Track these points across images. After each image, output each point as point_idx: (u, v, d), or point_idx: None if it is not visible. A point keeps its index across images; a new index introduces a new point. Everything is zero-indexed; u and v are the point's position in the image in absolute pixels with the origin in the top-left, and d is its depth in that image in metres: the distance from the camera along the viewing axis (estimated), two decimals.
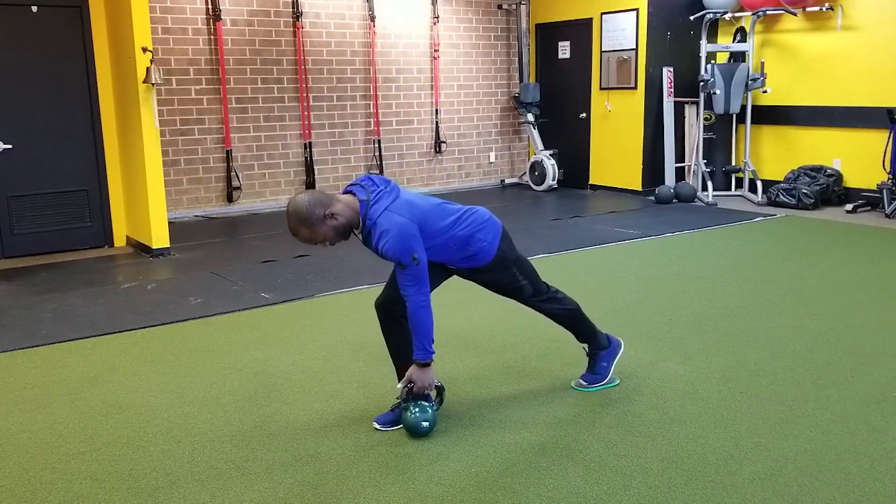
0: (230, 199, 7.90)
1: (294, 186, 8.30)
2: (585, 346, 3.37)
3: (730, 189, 8.81)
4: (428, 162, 9.25)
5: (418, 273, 2.77)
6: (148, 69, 5.79)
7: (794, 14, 7.88)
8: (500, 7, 9.53)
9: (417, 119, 9.07)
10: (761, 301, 4.63)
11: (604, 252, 6.05)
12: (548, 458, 2.77)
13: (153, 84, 5.83)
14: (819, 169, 7.96)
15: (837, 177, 7.89)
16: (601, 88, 9.01)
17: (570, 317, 3.28)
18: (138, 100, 5.89)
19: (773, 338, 3.98)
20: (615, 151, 8.98)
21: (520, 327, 4.17)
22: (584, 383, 3.37)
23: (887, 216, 7.23)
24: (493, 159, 9.81)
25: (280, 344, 4.05)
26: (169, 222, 6.43)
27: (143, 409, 3.27)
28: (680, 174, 8.85)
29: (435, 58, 9.03)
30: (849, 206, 7.54)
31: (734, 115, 8.63)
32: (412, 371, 2.90)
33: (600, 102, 9.06)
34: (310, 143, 8.30)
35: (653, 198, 8.47)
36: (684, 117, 8.83)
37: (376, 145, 8.76)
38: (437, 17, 8.96)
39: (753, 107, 8.44)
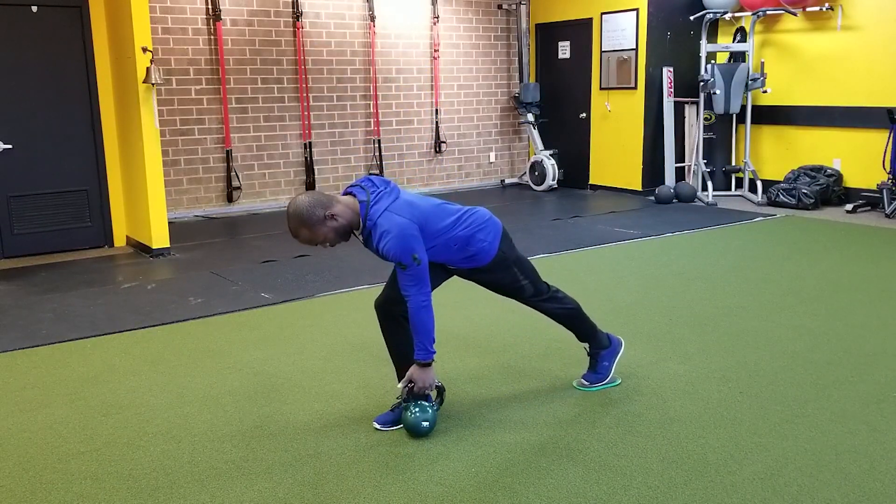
0: (230, 199, 7.91)
1: (294, 186, 8.30)
2: (586, 345, 3.37)
3: (730, 189, 8.81)
4: (428, 162, 9.25)
5: (419, 273, 2.77)
6: (148, 69, 5.79)
7: (794, 14, 7.89)
8: (500, 7, 9.53)
9: (417, 119, 9.07)
10: (761, 301, 4.63)
11: (604, 252, 6.05)
12: (548, 458, 2.77)
13: (153, 84, 5.84)
14: (819, 169, 7.96)
15: (837, 177, 7.89)
16: (601, 88, 9.01)
17: (570, 316, 3.28)
18: (138, 100, 5.89)
19: (773, 338, 3.98)
20: (615, 151, 8.98)
21: (520, 327, 4.17)
22: (586, 383, 3.37)
23: (887, 216, 7.23)
24: (493, 159, 9.81)
25: (280, 344, 4.05)
26: (169, 222, 6.43)
27: (143, 409, 3.27)
28: (680, 174, 8.85)
29: (435, 58, 9.03)
30: (849, 206, 7.55)
31: (734, 115, 8.63)
32: (413, 371, 2.90)
33: (600, 102, 9.06)
34: (310, 143, 8.30)
35: (653, 198, 8.47)
36: (684, 117, 8.83)
37: (376, 145, 8.76)
38: (437, 17, 8.97)
39: (753, 107, 8.44)
